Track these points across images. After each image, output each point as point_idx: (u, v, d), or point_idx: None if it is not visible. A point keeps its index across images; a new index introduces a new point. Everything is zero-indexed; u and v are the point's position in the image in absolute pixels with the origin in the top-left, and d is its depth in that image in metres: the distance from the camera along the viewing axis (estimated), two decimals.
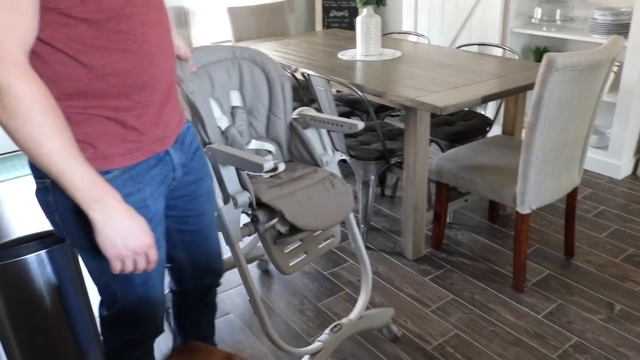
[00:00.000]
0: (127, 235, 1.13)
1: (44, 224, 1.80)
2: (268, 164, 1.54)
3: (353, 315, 2.10)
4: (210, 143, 1.76)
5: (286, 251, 1.84)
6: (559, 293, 2.45)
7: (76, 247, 1.31)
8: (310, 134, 1.98)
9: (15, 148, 4.42)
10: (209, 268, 1.67)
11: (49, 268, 1.76)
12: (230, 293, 2.55)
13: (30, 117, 0.99)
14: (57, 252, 1.77)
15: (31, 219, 1.81)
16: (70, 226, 1.24)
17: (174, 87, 1.34)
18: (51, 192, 1.20)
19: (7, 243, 1.69)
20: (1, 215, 1.83)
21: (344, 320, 2.06)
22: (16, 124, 0.99)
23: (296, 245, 1.86)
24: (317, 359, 1.97)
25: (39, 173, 1.20)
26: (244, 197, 1.73)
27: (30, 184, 3.84)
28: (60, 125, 1.03)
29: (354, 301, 2.45)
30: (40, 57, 1.05)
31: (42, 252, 1.74)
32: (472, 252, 2.79)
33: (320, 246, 1.92)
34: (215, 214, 1.68)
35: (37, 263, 1.73)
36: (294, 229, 1.78)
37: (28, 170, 3.89)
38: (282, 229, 1.80)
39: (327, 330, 2.03)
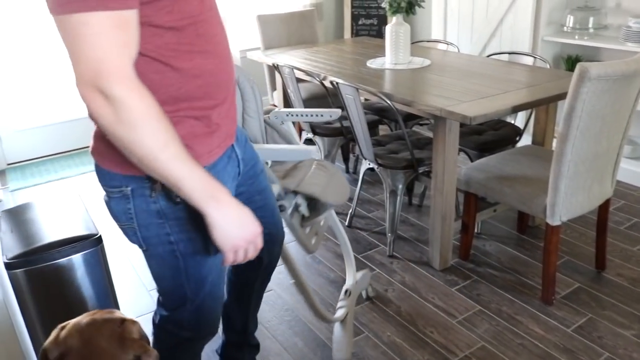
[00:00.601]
0: (241, 226, 1.18)
1: (75, 229, 1.83)
2: (316, 151, 1.80)
3: (352, 280, 2.35)
4: None
5: (307, 233, 1.95)
6: (590, 307, 2.40)
7: (151, 252, 1.34)
8: (286, 130, 2.10)
9: (47, 152, 4.51)
10: (279, 236, 1.75)
11: (79, 272, 1.79)
12: None
13: (146, 128, 1.03)
14: (88, 257, 1.80)
15: (63, 223, 1.84)
16: (150, 232, 1.28)
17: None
18: (131, 199, 1.24)
19: (39, 247, 1.72)
20: (34, 219, 1.87)
21: (348, 286, 2.32)
22: (134, 136, 1.03)
23: (309, 228, 1.96)
24: (347, 323, 2.21)
25: (115, 182, 1.24)
26: (276, 189, 1.79)
27: (63, 187, 3.92)
28: (172, 133, 1.08)
29: (380, 311, 2.44)
30: (136, 68, 1.07)
31: (73, 257, 1.77)
32: (500, 263, 2.76)
33: (322, 227, 2.08)
34: None
35: (69, 267, 1.76)
36: (313, 212, 1.89)
37: (61, 175, 3.97)
38: (306, 212, 1.88)
39: (341, 297, 2.30)
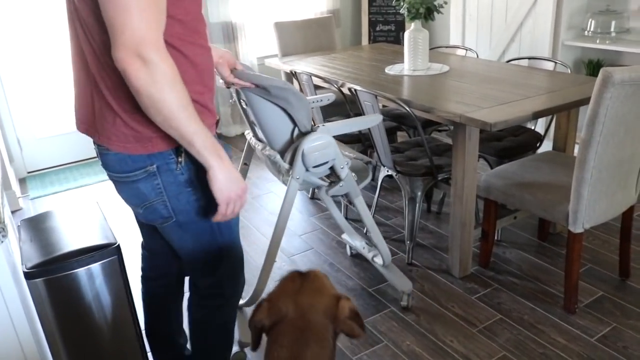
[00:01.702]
0: (234, 182, 1.40)
1: (94, 238, 1.83)
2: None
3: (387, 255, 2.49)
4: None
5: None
6: (614, 315, 2.35)
7: (183, 220, 1.50)
8: None
9: (66, 161, 4.55)
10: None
11: (98, 281, 1.79)
12: None
13: (173, 89, 1.23)
14: (106, 266, 1.80)
15: (82, 232, 1.85)
16: (180, 201, 1.46)
17: None
18: (158, 175, 1.41)
19: (58, 257, 1.72)
20: (53, 228, 1.88)
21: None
22: (163, 95, 1.22)
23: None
24: (389, 266, 2.51)
25: (138, 164, 1.39)
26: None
27: (81, 195, 3.94)
28: (189, 97, 1.29)
29: (399, 319, 2.42)
30: None
31: (92, 266, 1.77)
32: (520, 270, 2.72)
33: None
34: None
35: (87, 277, 1.76)
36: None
37: (80, 182, 4.00)
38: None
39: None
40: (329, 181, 2.13)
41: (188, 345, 2.14)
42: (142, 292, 2.02)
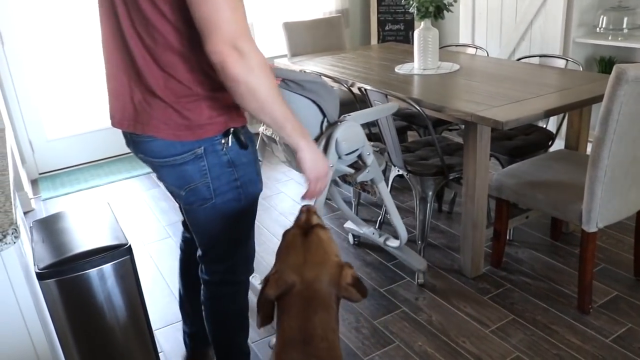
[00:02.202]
0: (320, 161, 1.57)
1: (105, 238, 1.84)
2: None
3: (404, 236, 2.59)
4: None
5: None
6: (629, 316, 2.33)
7: (218, 202, 1.58)
8: None
9: (78, 162, 4.57)
10: None
11: (110, 282, 1.79)
12: None
13: (266, 77, 1.36)
14: (117, 267, 1.80)
15: (93, 233, 1.85)
16: (221, 181, 1.55)
17: None
18: (203, 157, 1.51)
19: (70, 258, 1.73)
20: (65, 229, 1.88)
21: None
22: (259, 81, 1.34)
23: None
24: (402, 248, 2.65)
25: (186, 148, 1.48)
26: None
27: (93, 196, 3.96)
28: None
29: (411, 320, 2.40)
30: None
31: (104, 267, 1.77)
32: (533, 270, 2.70)
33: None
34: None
35: (99, 277, 1.76)
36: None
37: (91, 184, 4.02)
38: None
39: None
40: (355, 169, 2.27)
41: None
42: (180, 267, 2.12)
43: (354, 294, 1.33)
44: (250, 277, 2.17)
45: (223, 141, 1.51)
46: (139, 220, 3.55)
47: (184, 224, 2.01)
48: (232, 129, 1.51)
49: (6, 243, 1.21)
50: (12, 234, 1.23)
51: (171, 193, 1.68)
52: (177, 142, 1.48)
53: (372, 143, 2.25)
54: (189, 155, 1.50)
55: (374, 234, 2.82)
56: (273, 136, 2.33)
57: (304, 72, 1.98)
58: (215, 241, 1.69)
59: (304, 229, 1.39)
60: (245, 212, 1.65)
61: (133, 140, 1.57)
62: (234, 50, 1.30)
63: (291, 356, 1.24)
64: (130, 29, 1.42)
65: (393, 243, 2.72)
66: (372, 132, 3.17)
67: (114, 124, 1.58)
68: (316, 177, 1.58)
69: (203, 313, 1.86)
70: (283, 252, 1.37)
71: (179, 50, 1.40)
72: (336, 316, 1.33)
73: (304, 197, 1.64)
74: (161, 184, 4.07)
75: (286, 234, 1.40)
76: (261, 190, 1.68)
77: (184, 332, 2.22)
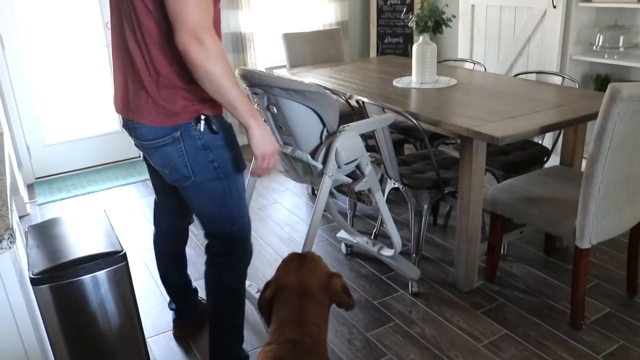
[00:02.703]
0: (268, 140, 1.76)
1: (100, 245, 1.84)
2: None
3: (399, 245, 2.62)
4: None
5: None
6: (621, 333, 2.34)
7: (200, 180, 1.80)
8: None
9: (74, 167, 4.58)
10: None
11: (103, 289, 1.80)
12: None
13: (222, 63, 1.58)
14: (112, 274, 1.80)
15: (89, 239, 1.85)
16: (198, 162, 1.77)
17: None
18: (181, 140, 1.74)
19: (64, 264, 1.73)
20: (60, 234, 1.89)
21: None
22: (216, 68, 1.56)
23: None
24: (395, 257, 2.69)
25: (166, 132, 1.73)
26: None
27: (88, 202, 3.96)
28: (232, 70, 1.63)
29: (404, 333, 2.41)
30: None
31: (98, 274, 1.77)
32: (527, 285, 2.70)
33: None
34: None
35: (93, 284, 1.77)
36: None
37: (87, 189, 4.02)
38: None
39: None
40: (352, 179, 2.31)
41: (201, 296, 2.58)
42: (155, 248, 2.34)
43: (345, 299, 1.49)
44: (247, 286, 2.33)
45: (197, 127, 1.74)
46: (134, 227, 3.55)
47: (155, 202, 2.26)
48: (203, 117, 1.74)
49: (2, 248, 1.22)
50: (8, 239, 1.23)
51: (161, 174, 1.90)
52: (158, 129, 1.73)
53: (368, 153, 2.27)
54: (168, 139, 1.74)
55: (367, 243, 2.83)
56: None
57: (305, 82, 2.03)
58: (209, 218, 1.91)
59: (300, 254, 1.59)
60: (230, 190, 1.86)
61: (128, 126, 1.82)
62: (195, 40, 1.53)
63: (285, 333, 1.37)
64: (129, 28, 1.67)
65: (387, 252, 2.73)
66: (369, 145, 3.18)
67: (116, 110, 1.87)
68: (263, 154, 1.77)
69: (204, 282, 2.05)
70: (281, 266, 1.55)
71: (160, 44, 1.64)
72: (326, 317, 1.46)
73: (252, 174, 1.86)
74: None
75: (285, 258, 1.58)
76: (243, 169, 1.89)
77: (170, 308, 2.51)
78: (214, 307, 2.01)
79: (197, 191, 1.84)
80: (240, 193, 1.91)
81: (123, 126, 1.89)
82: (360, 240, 2.86)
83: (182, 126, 1.73)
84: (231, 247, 1.96)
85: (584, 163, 2.90)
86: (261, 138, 1.74)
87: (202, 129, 1.74)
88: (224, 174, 1.83)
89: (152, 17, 1.61)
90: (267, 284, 1.51)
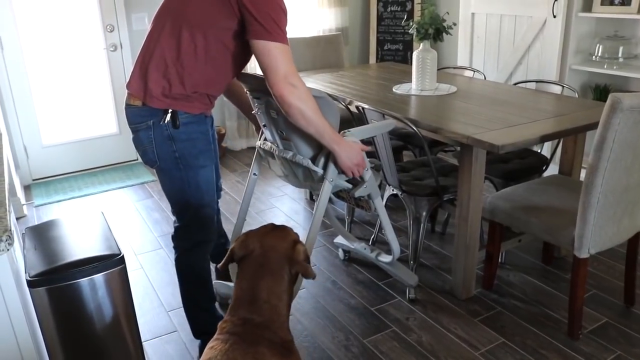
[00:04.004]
0: (351, 156, 2.09)
1: (98, 248, 1.83)
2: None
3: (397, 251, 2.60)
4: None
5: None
6: (618, 343, 2.33)
7: (163, 166, 2.04)
8: None
9: (71, 169, 4.56)
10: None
11: (100, 292, 1.78)
12: None
13: (311, 101, 1.92)
14: (109, 277, 1.79)
15: (86, 242, 1.84)
16: (163, 150, 2.00)
17: None
18: (152, 129, 1.98)
19: (61, 266, 1.72)
20: (57, 236, 1.87)
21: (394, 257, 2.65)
22: (307, 106, 1.90)
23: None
24: (394, 264, 2.71)
25: (142, 118, 1.98)
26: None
27: (85, 204, 3.95)
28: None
29: (401, 340, 2.40)
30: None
31: (95, 277, 1.76)
32: (524, 294, 2.70)
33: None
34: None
35: (90, 287, 1.76)
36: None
37: (84, 192, 4.00)
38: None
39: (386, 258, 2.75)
40: (352, 184, 2.32)
41: None
42: None
43: (305, 269, 1.58)
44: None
45: (165, 119, 1.96)
46: (131, 230, 3.54)
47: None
48: (170, 110, 1.95)
49: (0, 250, 1.21)
50: (6, 240, 1.22)
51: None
52: (137, 113, 1.98)
53: (368, 159, 2.26)
54: (143, 125, 1.99)
55: (365, 249, 2.82)
56: (271, 150, 2.34)
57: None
58: (172, 201, 2.14)
59: (275, 224, 1.70)
60: (188, 180, 2.05)
61: (125, 110, 2.06)
62: (289, 85, 1.85)
63: (238, 312, 1.49)
64: (189, 36, 1.90)
65: (385, 258, 2.72)
66: (369, 152, 3.18)
67: (127, 88, 2.06)
68: (349, 169, 2.12)
69: None
70: (255, 230, 1.65)
71: (205, 60, 1.94)
72: (285, 287, 1.55)
73: (348, 175, 2.18)
74: (154, 195, 4.06)
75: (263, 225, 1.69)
76: (206, 165, 2.07)
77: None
78: (179, 285, 2.27)
79: (161, 175, 2.10)
80: (200, 185, 2.07)
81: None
82: (358, 246, 2.85)
83: (155, 116, 1.97)
84: (189, 232, 2.16)
85: (582, 172, 2.90)
86: (345, 157, 2.07)
87: (167, 121, 1.96)
88: (184, 165, 2.02)
89: (222, 46, 1.93)
90: (237, 239, 1.63)
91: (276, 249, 1.56)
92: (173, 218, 2.22)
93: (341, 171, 2.17)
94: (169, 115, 1.96)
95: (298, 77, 1.88)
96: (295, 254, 1.58)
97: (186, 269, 2.23)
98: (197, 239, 2.18)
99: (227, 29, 1.90)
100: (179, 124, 1.97)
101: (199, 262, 2.23)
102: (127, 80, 2.04)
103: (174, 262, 2.25)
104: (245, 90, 2.27)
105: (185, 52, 1.91)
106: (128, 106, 2.03)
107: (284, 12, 1.90)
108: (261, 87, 2.10)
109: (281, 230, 1.64)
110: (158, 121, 1.97)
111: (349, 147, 2.07)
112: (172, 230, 2.24)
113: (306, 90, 1.90)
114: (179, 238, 2.21)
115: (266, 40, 1.84)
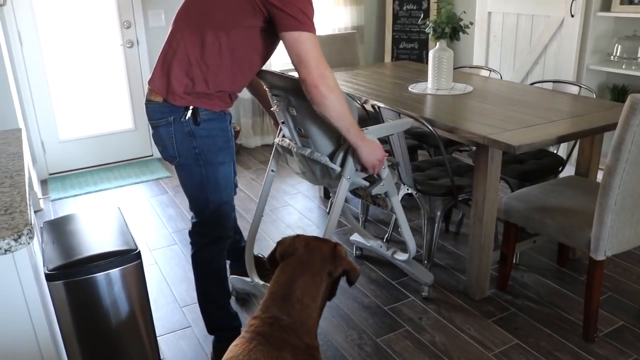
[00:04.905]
0: (373, 153, 2.11)
1: (115, 243, 1.85)
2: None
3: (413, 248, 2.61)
4: None
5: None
6: (634, 347, 2.31)
7: (183, 162, 2.05)
8: None
9: (87, 164, 4.60)
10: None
11: (117, 287, 1.80)
12: None
13: (341, 94, 1.95)
14: (125, 272, 1.81)
15: (103, 236, 1.86)
16: (183, 146, 2.01)
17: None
18: (172, 125, 1.99)
19: (79, 260, 1.73)
20: (75, 231, 1.89)
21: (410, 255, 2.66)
22: (338, 98, 1.92)
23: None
24: (410, 262, 2.71)
25: (162, 114, 2.00)
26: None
27: (101, 199, 3.98)
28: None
29: (414, 339, 2.39)
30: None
31: (111, 271, 1.78)
32: (539, 295, 2.69)
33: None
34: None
35: (106, 282, 1.77)
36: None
37: (100, 187, 4.04)
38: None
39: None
40: (369, 182, 2.33)
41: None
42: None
43: (351, 265, 1.59)
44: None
45: (185, 115, 1.97)
46: (145, 226, 3.56)
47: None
48: (192, 107, 1.97)
49: (20, 243, 1.22)
50: (27, 234, 1.24)
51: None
52: (158, 110, 2.00)
53: (386, 157, 2.27)
54: (163, 121, 2.00)
55: (381, 247, 2.82)
56: (289, 147, 2.34)
57: None
58: (190, 198, 2.16)
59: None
60: (207, 176, 2.06)
61: (146, 106, 2.07)
62: (321, 77, 1.88)
63: (270, 308, 1.48)
64: (213, 35, 1.90)
65: (401, 256, 2.72)
66: (384, 150, 3.18)
67: (149, 84, 2.08)
68: (372, 166, 2.15)
69: None
70: (298, 235, 1.67)
71: (231, 61, 1.95)
72: (322, 290, 1.54)
73: (366, 172, 2.21)
74: (169, 191, 4.08)
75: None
76: (225, 162, 2.08)
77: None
78: (195, 281, 2.28)
79: (181, 171, 2.11)
80: (219, 181, 2.09)
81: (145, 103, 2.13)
82: (374, 244, 2.85)
83: (175, 112, 1.98)
84: (207, 228, 2.17)
85: (599, 174, 2.87)
86: (367, 154, 2.10)
87: (187, 117, 1.97)
88: (203, 161, 2.04)
89: (247, 44, 1.95)
90: (280, 241, 1.63)
91: (319, 250, 1.58)
92: (190, 214, 2.23)
93: (360, 169, 2.18)
94: (189, 112, 1.97)
95: (329, 69, 1.91)
96: (338, 253, 1.59)
97: (203, 265, 2.24)
98: (214, 235, 2.19)
99: (251, 27, 1.91)
100: (199, 121, 1.98)
101: (215, 259, 2.23)
102: (150, 77, 2.05)
103: (190, 258, 2.26)
104: (265, 87, 2.28)
105: (209, 51, 1.92)
106: (149, 102, 2.04)
107: (309, 1, 1.90)
108: (281, 84, 2.11)
109: (323, 239, 1.65)
110: (179, 117, 1.98)
111: (372, 143, 2.10)
112: (186, 226, 2.27)
113: (336, 83, 1.93)
114: (196, 234, 2.21)
115: (298, 31, 1.86)
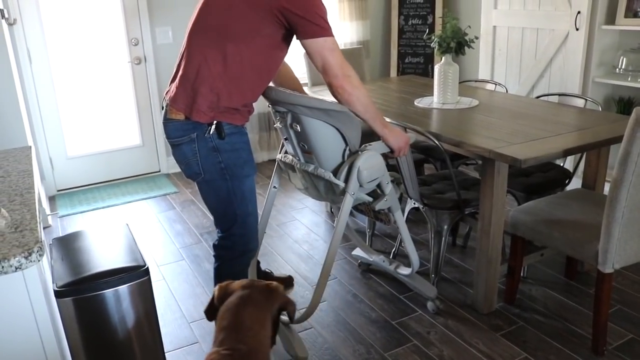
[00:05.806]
0: (398, 139, 2.23)
1: (123, 259, 1.86)
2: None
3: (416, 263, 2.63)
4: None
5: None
6: None
7: (208, 178, 2.06)
8: None
9: (95, 180, 4.63)
10: None
11: (125, 303, 1.81)
12: None
13: (364, 89, 2.07)
14: (134, 288, 1.82)
15: (112, 253, 1.87)
16: (208, 161, 2.03)
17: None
18: (195, 142, 2.01)
19: (87, 277, 1.75)
20: (84, 247, 1.91)
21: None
22: (362, 92, 2.05)
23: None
24: (414, 277, 2.70)
25: (185, 132, 2.01)
26: None
27: (109, 215, 4.00)
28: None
29: (422, 354, 2.39)
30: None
31: (120, 288, 1.79)
32: (547, 309, 2.67)
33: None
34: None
35: (115, 298, 1.78)
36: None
37: (107, 203, 4.06)
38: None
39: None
40: (372, 197, 2.35)
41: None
42: None
43: (288, 300, 1.63)
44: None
45: (210, 131, 1.99)
46: (153, 242, 3.57)
47: None
48: (215, 122, 1.98)
49: (31, 261, 1.24)
50: (37, 252, 1.25)
51: (180, 169, 2.17)
52: (180, 127, 2.01)
53: (389, 173, 2.28)
54: (186, 139, 2.02)
55: (384, 261, 2.82)
56: (292, 163, 2.36)
57: (329, 101, 2.13)
58: (216, 213, 2.17)
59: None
60: (234, 190, 2.08)
61: (164, 124, 2.09)
62: (345, 76, 2.00)
63: (225, 341, 1.49)
64: (234, 47, 1.94)
65: (404, 271, 2.73)
66: (389, 164, 3.19)
67: (164, 101, 2.13)
68: (398, 149, 2.24)
69: None
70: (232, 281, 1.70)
71: (252, 70, 2.00)
72: (268, 317, 1.58)
73: (394, 155, 2.31)
74: (177, 206, 4.10)
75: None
76: (250, 174, 2.11)
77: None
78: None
79: (206, 187, 2.11)
80: (245, 194, 2.12)
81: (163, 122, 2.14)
82: (377, 259, 2.85)
83: (198, 129, 2.00)
84: (233, 242, 2.18)
85: (606, 186, 2.87)
86: (393, 140, 2.20)
87: (211, 132, 1.99)
88: (230, 175, 2.05)
89: (267, 53, 2.02)
90: (217, 288, 1.66)
91: (256, 287, 1.62)
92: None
93: (389, 152, 2.29)
94: (213, 127, 2.00)
95: (351, 68, 2.02)
96: (274, 289, 1.63)
97: (226, 279, 2.21)
98: (242, 249, 2.21)
99: (269, 35, 1.97)
100: (224, 135, 2.01)
101: (241, 272, 2.24)
102: (168, 95, 2.06)
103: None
104: (267, 104, 2.30)
105: (231, 64, 1.95)
106: (169, 120, 2.05)
107: (323, 5, 1.97)
108: (284, 100, 2.12)
109: (258, 280, 1.69)
110: (202, 133, 2.00)
111: (395, 130, 2.23)
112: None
113: (359, 80, 2.05)
114: (223, 247, 2.22)
115: (321, 36, 1.95)
